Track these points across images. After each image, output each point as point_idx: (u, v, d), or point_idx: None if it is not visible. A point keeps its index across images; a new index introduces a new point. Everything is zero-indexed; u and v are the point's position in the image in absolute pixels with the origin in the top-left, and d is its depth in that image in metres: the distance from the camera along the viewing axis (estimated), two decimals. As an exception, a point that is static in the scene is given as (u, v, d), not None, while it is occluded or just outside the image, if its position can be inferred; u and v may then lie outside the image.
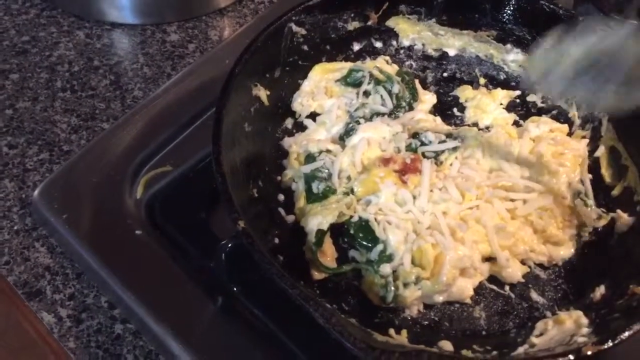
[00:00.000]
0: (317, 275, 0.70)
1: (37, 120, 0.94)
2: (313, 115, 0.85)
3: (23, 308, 0.78)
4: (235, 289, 0.76)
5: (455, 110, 0.89)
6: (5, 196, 0.86)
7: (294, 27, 0.82)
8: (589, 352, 0.55)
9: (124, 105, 0.97)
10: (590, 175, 0.80)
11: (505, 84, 0.91)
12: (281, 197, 0.78)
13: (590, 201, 0.77)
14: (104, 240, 0.79)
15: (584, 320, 0.64)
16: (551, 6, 0.84)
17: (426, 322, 0.69)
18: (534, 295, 0.72)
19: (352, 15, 0.88)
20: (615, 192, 0.79)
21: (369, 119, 0.82)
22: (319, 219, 0.70)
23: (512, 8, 0.87)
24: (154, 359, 0.73)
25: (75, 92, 0.99)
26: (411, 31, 0.92)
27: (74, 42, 1.06)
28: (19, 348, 0.86)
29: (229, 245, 0.75)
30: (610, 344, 0.56)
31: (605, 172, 0.81)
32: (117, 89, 1.00)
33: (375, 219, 0.71)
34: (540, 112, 0.89)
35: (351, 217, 0.72)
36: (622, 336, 0.57)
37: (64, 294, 0.78)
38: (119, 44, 1.07)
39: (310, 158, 0.77)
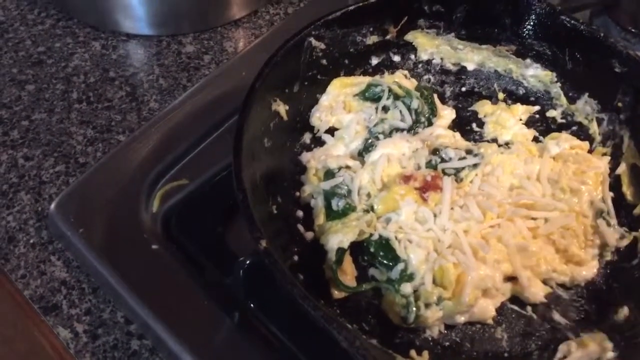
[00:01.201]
0: (337, 295, 0.70)
1: (53, 131, 0.94)
2: (331, 130, 0.85)
3: (39, 323, 0.78)
4: (252, 305, 0.75)
5: (474, 125, 0.88)
6: (22, 209, 0.85)
7: (314, 42, 0.81)
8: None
9: (140, 117, 0.97)
10: (611, 194, 0.79)
11: (525, 99, 0.90)
12: (300, 213, 0.77)
13: (613, 220, 0.76)
14: (120, 255, 0.78)
15: (608, 344, 0.64)
16: (572, 22, 0.83)
17: (447, 343, 0.68)
18: (556, 316, 0.71)
19: (371, 29, 0.87)
20: (637, 211, 0.78)
21: (388, 134, 0.81)
22: (339, 237, 0.70)
23: (532, 23, 0.87)
24: (170, 375, 0.73)
25: (91, 103, 0.99)
26: (429, 45, 0.91)
27: (90, 53, 1.06)
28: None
29: (247, 262, 0.75)
30: (638, 369, 0.55)
31: (627, 191, 0.80)
32: (132, 101, 0.99)
33: (396, 237, 0.70)
34: (560, 127, 0.88)
35: (371, 235, 0.72)
36: (650, 362, 0.56)
37: (80, 308, 0.77)
38: (134, 55, 1.07)
39: (329, 174, 0.76)
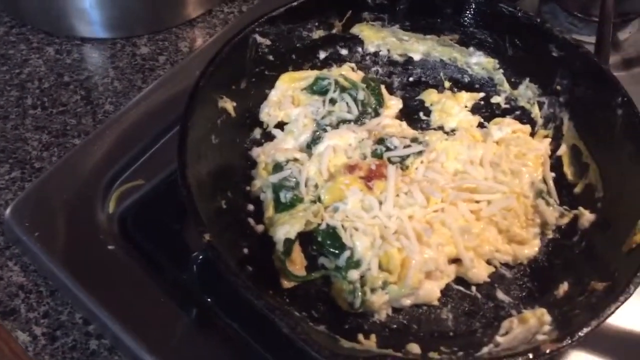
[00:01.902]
0: (287, 284, 0.71)
1: (7, 138, 0.94)
2: (281, 125, 0.86)
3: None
4: (209, 300, 0.76)
5: (421, 114, 0.90)
6: (-23, 216, 0.86)
7: (258, 38, 0.83)
8: (548, 350, 0.56)
9: (95, 120, 0.98)
10: (553, 174, 0.82)
11: (470, 87, 0.93)
12: (251, 207, 0.79)
13: (552, 200, 0.78)
14: (77, 257, 0.79)
15: (547, 318, 0.66)
16: (510, 9, 0.86)
17: (395, 326, 0.71)
18: (500, 294, 0.73)
19: (317, 24, 0.89)
20: (577, 189, 0.81)
21: (336, 126, 0.83)
22: (286, 228, 0.71)
23: (472, 12, 0.89)
24: (129, 373, 0.74)
25: (46, 108, 0.99)
26: (376, 38, 0.93)
27: (44, 58, 1.06)
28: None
29: (200, 257, 0.76)
30: (568, 341, 0.58)
31: (568, 170, 0.83)
32: (88, 104, 1.00)
33: (342, 226, 0.72)
34: (504, 113, 0.90)
35: (319, 224, 0.74)
36: (580, 333, 0.58)
37: (38, 312, 0.78)
38: (89, 58, 1.08)
39: (277, 167, 0.78)
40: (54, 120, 0.97)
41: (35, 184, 0.86)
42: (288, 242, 0.72)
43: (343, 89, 0.85)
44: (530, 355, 0.56)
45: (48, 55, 1.07)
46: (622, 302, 0.60)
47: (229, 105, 0.81)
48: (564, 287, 0.71)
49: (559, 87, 0.85)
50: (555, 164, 0.84)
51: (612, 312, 0.60)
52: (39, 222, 0.81)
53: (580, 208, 0.78)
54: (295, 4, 0.84)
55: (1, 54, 1.06)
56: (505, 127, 0.84)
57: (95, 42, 1.09)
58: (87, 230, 0.81)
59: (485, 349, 0.64)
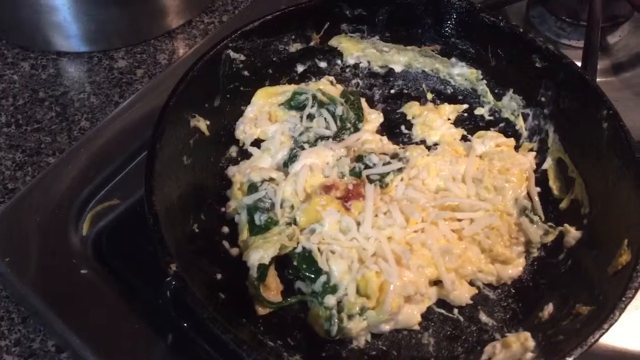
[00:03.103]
0: (262, 311, 0.69)
1: (-20, 158, 0.92)
2: (258, 142, 0.84)
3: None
4: (185, 325, 0.74)
5: (402, 127, 0.88)
6: (-52, 240, 0.83)
7: (232, 54, 0.80)
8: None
9: (71, 137, 0.96)
10: (538, 189, 0.80)
11: (453, 98, 0.91)
12: (225, 229, 0.77)
13: (536, 217, 0.76)
14: (49, 282, 0.77)
15: (531, 343, 0.64)
16: (492, 19, 0.84)
17: (374, 352, 0.68)
18: (483, 317, 0.71)
19: (293, 37, 0.86)
20: (563, 204, 0.79)
21: (314, 143, 0.80)
22: (260, 253, 0.69)
23: (453, 22, 0.87)
24: (103, 402, 0.72)
25: (20, 126, 0.97)
26: (355, 49, 0.91)
27: (19, 74, 1.04)
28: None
29: (173, 282, 0.74)
30: (552, 371, 0.55)
31: (553, 185, 0.80)
32: (63, 121, 0.98)
33: (319, 249, 0.69)
34: (488, 125, 0.88)
35: (295, 248, 0.71)
36: (564, 361, 0.56)
37: (9, 339, 0.76)
38: (65, 73, 1.05)
39: (252, 188, 0.75)
40: (28, 138, 0.95)
41: (7, 206, 0.84)
42: (262, 268, 0.69)
43: (321, 104, 0.83)
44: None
45: (23, 71, 1.05)
46: (607, 329, 0.58)
47: (202, 124, 0.78)
48: (548, 309, 0.69)
49: (543, 99, 0.83)
50: (541, 178, 0.81)
51: (596, 340, 0.58)
52: (10, 246, 0.79)
53: (566, 225, 0.75)
54: (269, 17, 0.81)
55: (-25, 70, 1.04)
56: (489, 141, 0.82)
57: (71, 56, 1.07)
58: (60, 254, 0.79)
59: (466, 377, 0.62)
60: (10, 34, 1.08)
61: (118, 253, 0.80)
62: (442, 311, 0.72)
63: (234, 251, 0.74)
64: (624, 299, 0.59)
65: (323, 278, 0.68)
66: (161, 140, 0.68)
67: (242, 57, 0.82)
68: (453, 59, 0.89)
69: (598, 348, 0.68)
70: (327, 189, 0.73)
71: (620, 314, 0.58)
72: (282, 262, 0.73)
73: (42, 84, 1.03)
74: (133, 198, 0.85)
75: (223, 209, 0.78)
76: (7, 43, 1.08)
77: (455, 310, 0.72)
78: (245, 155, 0.83)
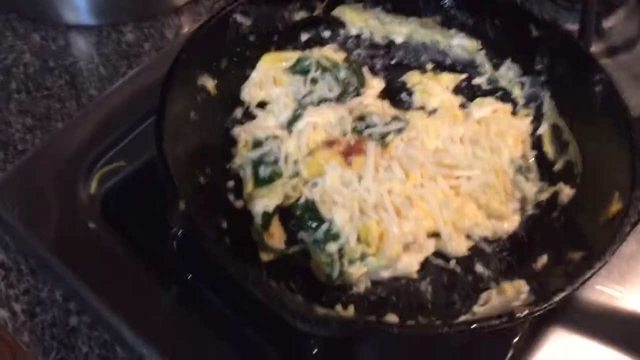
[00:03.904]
0: (265, 257, 0.71)
1: (-9, 122, 0.95)
2: (262, 104, 0.86)
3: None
4: (189, 276, 0.76)
5: (403, 95, 0.90)
6: (-41, 196, 0.86)
7: (239, 18, 0.83)
8: (522, 314, 0.56)
9: (79, 104, 0.98)
10: (534, 152, 0.82)
11: (452, 68, 0.93)
12: (231, 183, 0.79)
13: (532, 175, 0.78)
14: (58, 235, 0.79)
15: (525, 288, 0.66)
16: (489, -10, 0.87)
17: (373, 298, 0.70)
18: (479, 268, 0.73)
19: (299, 5, 0.89)
20: (557, 166, 0.81)
21: (317, 105, 0.83)
22: (264, 202, 0.72)
23: (453, -7, 0.90)
24: (109, 349, 0.74)
25: (30, 93, 0.99)
26: (358, 20, 0.94)
27: (30, 44, 1.07)
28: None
29: (180, 232, 0.76)
30: (543, 305, 0.58)
31: (548, 148, 0.83)
32: (72, 89, 1.00)
33: (321, 200, 0.72)
34: (486, 94, 0.90)
35: (298, 199, 0.74)
36: (554, 298, 0.58)
37: (18, 289, 0.78)
38: (74, 45, 1.08)
39: (257, 144, 0.78)
40: (38, 104, 0.97)
41: (18, 165, 0.86)
42: (266, 216, 0.72)
43: (324, 69, 0.85)
44: (504, 319, 0.56)
45: (34, 42, 1.07)
46: (598, 269, 0.60)
47: (209, 83, 0.81)
48: (542, 260, 0.71)
49: (539, 67, 0.86)
50: (536, 144, 0.84)
51: (588, 278, 0.60)
52: (21, 202, 0.81)
53: (560, 184, 0.78)
54: (276, -16, 0.84)
55: (-14, 41, 1.06)
56: (486, 107, 0.84)
57: (81, 29, 1.10)
58: (68, 209, 0.81)
59: (462, 318, 0.64)
60: (21, 7, 1.11)
61: (124, 210, 0.83)
62: (440, 262, 0.74)
63: (239, 204, 0.76)
64: (615, 241, 0.61)
65: (325, 226, 0.70)
66: (171, 93, 0.71)
67: (249, 22, 0.85)
68: (452, 30, 0.92)
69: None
70: (329, 144, 0.75)
71: (610, 256, 0.61)
72: (285, 215, 0.75)
73: (52, 54, 1.05)
74: (139, 161, 0.87)
75: (228, 165, 0.80)
76: (18, 16, 1.11)
77: (452, 262, 0.74)
78: (250, 116, 0.85)
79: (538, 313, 0.57)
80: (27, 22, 1.10)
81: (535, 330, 0.72)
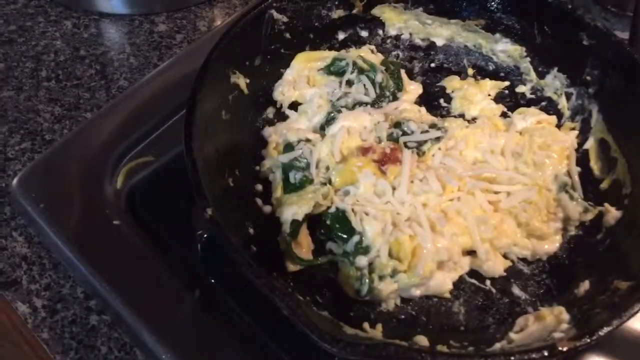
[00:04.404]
0: (292, 267, 0.69)
1: (20, 109, 0.93)
2: (295, 105, 0.84)
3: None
4: (212, 281, 0.74)
5: (441, 101, 0.87)
6: (-16, 185, 0.85)
7: (275, 14, 0.80)
8: (564, 348, 0.53)
9: (109, 95, 0.96)
10: (578, 168, 0.78)
11: (494, 75, 0.89)
12: (259, 187, 0.76)
13: (577, 194, 0.74)
14: (82, 230, 0.77)
15: (565, 316, 0.62)
16: (540, -6, 0.82)
17: (403, 317, 0.67)
18: (516, 290, 0.70)
19: (337, 2, 0.86)
20: (604, 185, 0.77)
21: (351, 108, 0.80)
22: (294, 209, 0.69)
23: (500, -3, 0.85)
24: (128, 351, 0.72)
25: (60, 81, 0.98)
26: (397, 20, 0.90)
27: (61, 31, 1.05)
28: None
29: (205, 235, 0.74)
30: (587, 340, 0.54)
31: (594, 165, 0.79)
32: (102, 79, 0.99)
33: (353, 210, 0.69)
34: (529, 103, 0.86)
35: (328, 207, 0.71)
36: (600, 332, 0.54)
37: (40, 284, 0.77)
38: (106, 34, 1.06)
39: (288, 147, 0.75)
40: (67, 93, 0.96)
41: (44, 156, 0.85)
42: (295, 224, 0.69)
43: (361, 71, 0.82)
44: (545, 353, 0.52)
45: (65, 29, 1.06)
46: (647, 302, 0.56)
47: (241, 81, 0.78)
48: (584, 285, 0.67)
49: (588, 78, 0.81)
50: (582, 159, 0.80)
51: (636, 312, 0.56)
52: (46, 194, 0.80)
53: (606, 205, 0.73)
54: (314, -21, 0.81)
55: (19, 26, 1.05)
56: (530, 117, 0.80)
57: (113, 18, 1.08)
58: (93, 204, 0.80)
59: (497, 345, 0.61)
60: (54, -8, 1.09)
61: (150, 208, 0.81)
62: (474, 281, 0.70)
63: (267, 209, 0.74)
64: (666, 273, 0.57)
65: (356, 238, 0.67)
66: (202, 91, 0.69)
67: (285, 19, 0.82)
68: (497, 35, 0.88)
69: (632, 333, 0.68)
70: (364, 151, 0.72)
71: (661, 289, 0.57)
72: (314, 223, 0.73)
73: (83, 42, 1.04)
74: (167, 156, 0.85)
75: (257, 168, 0.78)
76: (51, 2, 1.09)
77: (488, 282, 0.70)
78: (281, 117, 0.83)
79: (581, 348, 0.54)
80: (59, 7, 1.09)
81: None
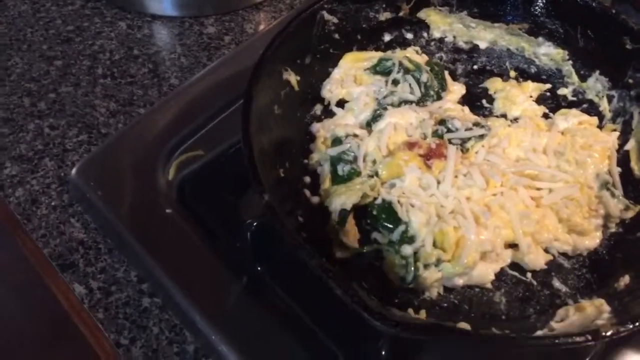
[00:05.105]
0: (339, 254, 0.71)
1: (77, 104, 0.98)
2: (342, 103, 0.87)
3: (57, 279, 0.81)
4: (259, 268, 0.77)
5: (484, 101, 0.89)
6: (45, 174, 0.89)
7: (326, 15, 0.84)
8: (608, 333, 0.54)
9: (161, 92, 1.01)
10: (619, 169, 0.80)
11: (536, 77, 0.91)
12: (307, 179, 0.79)
13: (618, 192, 0.76)
14: (136, 218, 0.81)
15: (606, 307, 0.64)
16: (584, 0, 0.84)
17: (445, 304, 0.70)
18: (557, 283, 0.71)
19: (384, 5, 0.89)
20: (644, 185, 0.78)
21: (397, 106, 0.82)
22: (342, 199, 0.72)
23: (544, 1, 0.87)
24: (178, 332, 0.75)
25: (115, 79, 1.03)
26: (442, 23, 0.93)
27: (116, 32, 1.10)
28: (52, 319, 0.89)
29: (254, 224, 0.77)
30: (630, 326, 0.55)
31: (635, 166, 0.80)
32: (154, 77, 1.03)
33: (399, 201, 0.71)
34: (570, 105, 0.88)
35: (375, 199, 0.73)
36: (643, 320, 0.56)
37: (95, 267, 0.81)
38: (158, 34, 1.11)
39: (337, 141, 0.78)
40: (122, 89, 1.01)
41: (101, 147, 0.89)
42: (343, 213, 0.72)
43: (406, 71, 0.85)
44: (589, 337, 0.54)
45: (120, 30, 1.11)
46: (689, 294, 0.58)
47: (292, 78, 0.82)
48: (624, 280, 0.68)
49: (630, 81, 0.83)
50: (622, 159, 0.81)
51: (678, 303, 0.57)
52: (103, 183, 0.84)
53: (647, 203, 0.75)
54: (364, -17, 0.84)
55: (76, 26, 1.11)
56: (572, 118, 0.82)
57: (164, 20, 1.13)
58: (147, 193, 0.84)
59: (539, 333, 0.63)
60: (110, -6, 1.15)
61: (200, 198, 0.85)
62: (516, 273, 0.72)
63: (315, 199, 0.77)
64: None
65: (401, 228, 0.70)
66: (258, 85, 0.72)
67: (335, 20, 0.85)
68: (540, 38, 0.90)
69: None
70: (410, 145, 0.75)
71: None
72: (360, 214, 0.75)
73: (136, 42, 1.09)
74: (216, 151, 0.89)
75: (306, 161, 0.81)
76: (106, 4, 1.15)
77: (529, 274, 0.72)
78: (329, 114, 0.86)
79: (624, 334, 0.55)
80: (114, 9, 1.14)
81: (606, 352, 0.70)
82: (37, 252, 0.83)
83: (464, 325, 0.65)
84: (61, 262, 0.81)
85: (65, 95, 0.99)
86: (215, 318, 0.73)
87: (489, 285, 0.71)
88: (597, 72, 0.87)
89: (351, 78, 0.86)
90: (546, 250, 0.73)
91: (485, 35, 0.93)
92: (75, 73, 1.03)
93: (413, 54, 0.89)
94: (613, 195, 0.75)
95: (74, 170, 0.86)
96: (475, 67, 0.93)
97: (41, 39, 1.08)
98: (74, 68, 1.04)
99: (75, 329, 0.81)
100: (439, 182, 0.73)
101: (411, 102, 0.83)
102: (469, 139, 0.78)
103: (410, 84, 0.84)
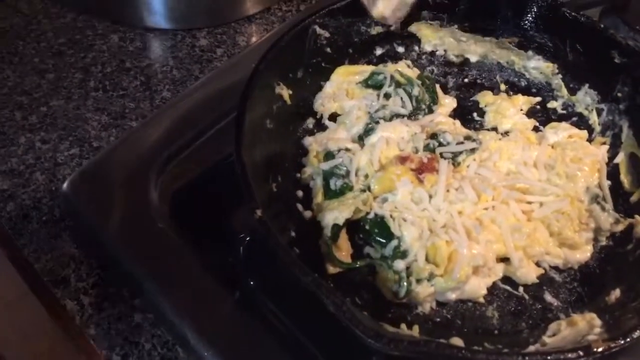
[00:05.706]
0: (332, 270, 0.71)
1: (69, 117, 0.98)
2: (334, 117, 0.87)
3: (48, 295, 0.81)
4: (252, 283, 0.77)
5: (475, 114, 0.90)
6: (36, 188, 0.89)
7: (318, 30, 0.84)
8: (599, 349, 0.54)
9: (153, 105, 1.01)
10: (609, 182, 0.80)
11: (526, 91, 0.92)
12: (300, 193, 0.79)
13: (608, 205, 0.76)
14: (127, 232, 0.81)
15: (597, 322, 0.64)
16: (573, 14, 0.85)
17: (438, 319, 0.70)
18: (548, 297, 0.72)
19: (375, 20, 0.90)
20: (634, 198, 0.79)
21: (389, 120, 0.83)
22: (335, 214, 0.72)
23: (533, 15, 0.88)
24: (170, 348, 0.75)
25: (107, 91, 1.02)
26: (433, 37, 0.93)
27: (108, 45, 1.10)
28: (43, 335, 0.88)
29: (247, 239, 0.77)
30: (621, 341, 0.56)
31: (625, 179, 0.81)
32: (146, 90, 1.03)
33: (391, 216, 0.72)
34: (560, 118, 0.89)
35: (367, 213, 0.74)
36: (634, 334, 0.56)
37: (87, 282, 0.80)
38: (150, 47, 1.11)
39: (329, 156, 0.78)
40: (114, 102, 1.01)
41: (93, 161, 0.89)
42: (336, 228, 0.72)
43: (398, 84, 0.85)
44: (581, 353, 0.54)
45: (112, 42, 1.11)
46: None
47: (285, 92, 0.82)
48: (615, 293, 0.69)
49: (619, 94, 0.84)
50: (612, 172, 0.82)
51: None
52: (94, 197, 0.84)
53: (637, 216, 0.76)
54: (357, -3, 0.85)
55: (68, 39, 1.11)
56: (562, 132, 0.83)
57: (157, 32, 1.13)
58: (139, 207, 0.83)
59: (532, 348, 0.63)
60: (101, 8, 1.14)
61: (192, 212, 0.84)
62: (508, 288, 0.73)
63: (307, 214, 0.77)
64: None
65: (394, 243, 0.70)
66: (251, 99, 0.72)
67: (327, 34, 0.86)
68: (530, 52, 0.91)
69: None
70: (402, 160, 0.75)
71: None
72: (352, 228, 0.75)
73: (128, 55, 1.09)
74: (208, 164, 0.89)
75: (298, 175, 0.81)
76: (98, 16, 1.15)
77: (521, 288, 0.73)
78: (321, 127, 0.86)
79: (615, 349, 0.55)
80: (106, 22, 1.14)
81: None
82: (28, 268, 0.83)
83: (457, 341, 0.65)
84: (52, 277, 0.80)
85: (56, 109, 0.99)
86: (207, 334, 0.73)
87: (482, 300, 0.71)
88: (587, 85, 0.88)
89: (343, 92, 0.87)
90: (537, 264, 0.74)
91: (476, 49, 0.94)
92: (67, 86, 1.03)
93: (404, 68, 0.90)
94: (603, 208, 0.75)
95: (65, 184, 0.85)
96: (466, 80, 0.94)
97: (33, 52, 1.07)
98: (65, 81, 1.03)
99: (66, 345, 0.80)
100: (431, 197, 0.73)
101: (403, 115, 0.84)
102: (461, 152, 0.78)
103: (401, 98, 0.84)
